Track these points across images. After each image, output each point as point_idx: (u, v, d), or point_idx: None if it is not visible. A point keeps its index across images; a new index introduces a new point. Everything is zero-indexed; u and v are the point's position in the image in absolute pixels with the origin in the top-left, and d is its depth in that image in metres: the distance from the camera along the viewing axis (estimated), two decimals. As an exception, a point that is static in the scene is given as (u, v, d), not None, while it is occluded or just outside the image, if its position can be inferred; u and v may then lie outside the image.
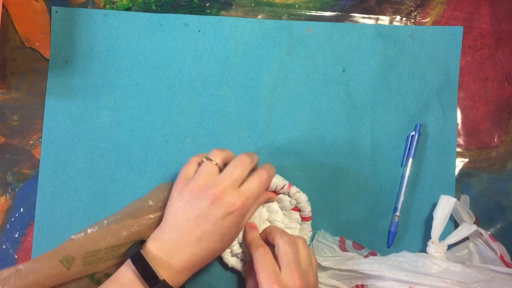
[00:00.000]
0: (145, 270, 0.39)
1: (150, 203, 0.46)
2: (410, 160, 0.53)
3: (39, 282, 0.41)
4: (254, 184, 0.42)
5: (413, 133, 0.53)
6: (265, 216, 0.50)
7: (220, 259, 0.51)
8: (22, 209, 0.53)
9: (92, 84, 0.54)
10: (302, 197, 0.49)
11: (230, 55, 0.54)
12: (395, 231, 0.53)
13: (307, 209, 0.49)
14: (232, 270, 0.52)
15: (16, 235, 0.52)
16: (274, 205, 0.50)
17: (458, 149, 0.54)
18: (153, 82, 0.54)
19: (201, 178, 0.42)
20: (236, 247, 0.49)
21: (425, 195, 0.54)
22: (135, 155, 0.53)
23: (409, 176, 0.53)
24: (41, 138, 0.53)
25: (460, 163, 0.54)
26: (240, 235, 0.48)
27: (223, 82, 0.54)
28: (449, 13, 0.56)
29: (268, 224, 0.50)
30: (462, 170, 0.54)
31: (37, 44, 0.54)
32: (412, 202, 0.53)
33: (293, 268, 0.40)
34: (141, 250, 0.40)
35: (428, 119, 0.54)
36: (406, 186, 0.53)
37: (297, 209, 0.50)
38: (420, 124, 0.53)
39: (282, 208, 0.50)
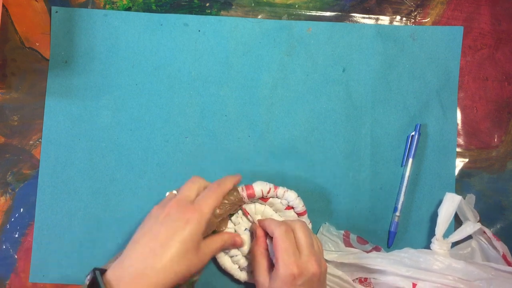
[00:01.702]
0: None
1: None
2: (410, 160, 0.53)
3: None
4: (204, 194, 0.44)
5: (413, 133, 0.53)
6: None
7: (231, 277, 0.50)
8: (22, 209, 0.53)
9: (92, 84, 0.54)
10: (291, 195, 0.49)
11: (230, 55, 0.54)
12: (395, 231, 0.53)
13: (300, 205, 0.49)
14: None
15: (16, 235, 0.52)
16: (268, 210, 0.50)
17: (458, 149, 0.54)
18: (153, 82, 0.54)
19: (162, 202, 0.45)
20: (242, 261, 0.49)
21: (425, 195, 0.53)
22: (135, 155, 0.53)
23: (409, 176, 0.53)
24: (41, 138, 0.53)
25: (460, 163, 0.54)
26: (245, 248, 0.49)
27: (223, 82, 0.54)
28: (449, 13, 0.56)
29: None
30: (462, 170, 0.54)
31: (37, 44, 0.54)
32: (412, 202, 0.53)
33: (311, 252, 0.42)
34: (98, 275, 0.39)
35: (428, 119, 0.54)
36: (406, 186, 0.53)
37: (290, 207, 0.50)
38: (420, 124, 0.53)
39: (276, 211, 0.50)
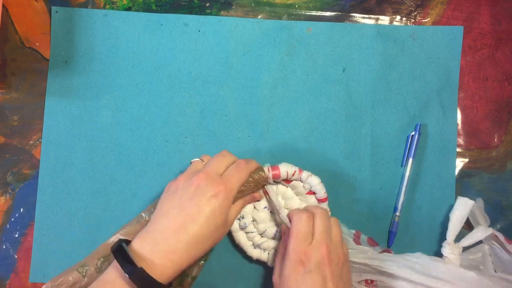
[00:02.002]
0: (124, 261, 0.39)
1: None
2: (410, 160, 0.53)
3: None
4: (235, 169, 0.44)
5: (413, 133, 0.53)
6: (281, 204, 0.50)
7: (244, 254, 0.50)
8: (22, 209, 0.53)
9: (92, 84, 0.54)
10: (315, 180, 0.48)
11: (230, 55, 0.54)
12: (395, 231, 0.53)
13: (322, 191, 0.48)
14: (234, 268, 0.52)
15: (16, 235, 0.52)
16: (289, 192, 0.50)
17: (458, 149, 0.54)
18: (153, 82, 0.54)
19: (188, 171, 0.45)
20: (257, 238, 0.49)
21: (425, 195, 0.53)
22: (135, 155, 0.53)
23: (409, 176, 0.53)
24: (41, 138, 0.53)
25: (460, 163, 0.54)
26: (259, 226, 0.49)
27: (223, 82, 0.54)
28: (449, 13, 0.56)
29: (286, 211, 0.50)
30: (462, 170, 0.54)
31: (37, 44, 0.54)
32: (412, 202, 0.53)
33: (323, 238, 0.42)
34: (124, 244, 0.40)
35: (428, 119, 0.54)
36: (406, 186, 0.53)
37: (312, 192, 0.49)
38: (420, 124, 0.53)
39: (297, 194, 0.50)
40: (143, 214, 0.48)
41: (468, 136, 0.55)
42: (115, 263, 0.40)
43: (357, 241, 0.51)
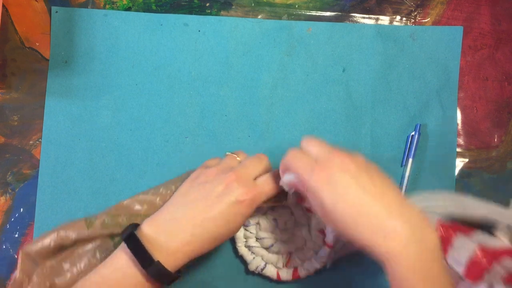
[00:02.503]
0: (139, 251, 0.38)
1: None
2: (410, 160, 0.53)
3: (66, 236, 0.43)
4: (269, 180, 0.42)
5: (413, 133, 0.53)
6: (291, 225, 0.48)
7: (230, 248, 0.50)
8: (22, 209, 0.53)
9: (92, 84, 0.54)
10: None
11: (230, 55, 0.54)
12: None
13: (330, 238, 0.45)
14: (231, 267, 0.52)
15: (16, 235, 0.52)
16: (304, 220, 0.48)
17: (458, 149, 0.54)
18: (153, 82, 0.54)
19: (222, 165, 0.43)
20: (252, 240, 0.49)
21: (425, 195, 0.54)
22: (135, 155, 0.53)
23: (409, 176, 0.53)
24: (41, 138, 0.53)
25: (460, 163, 0.54)
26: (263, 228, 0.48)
27: (223, 82, 0.54)
28: (449, 13, 0.56)
29: (290, 234, 0.48)
30: (462, 170, 0.54)
31: (37, 44, 0.54)
32: (412, 202, 0.53)
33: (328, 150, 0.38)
34: (135, 232, 0.39)
35: (428, 119, 0.54)
36: (406, 186, 0.53)
37: (323, 233, 0.46)
38: (420, 124, 0.53)
39: (310, 226, 0.47)
40: (161, 188, 0.46)
41: (468, 136, 0.55)
42: (125, 248, 0.39)
43: None
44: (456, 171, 0.54)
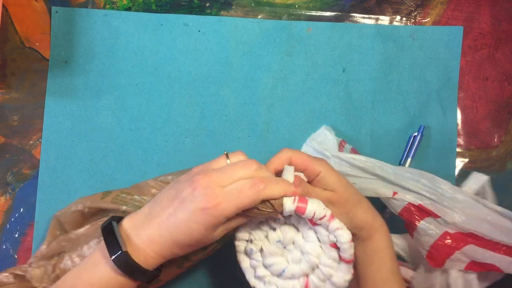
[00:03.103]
0: (109, 240, 0.37)
1: None
2: (409, 160, 0.53)
3: (83, 204, 0.49)
4: (243, 187, 0.37)
5: (415, 133, 0.53)
6: (299, 242, 0.41)
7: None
8: (22, 209, 0.53)
9: (92, 84, 0.54)
10: (344, 237, 0.39)
11: (230, 55, 0.54)
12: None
13: (349, 251, 0.39)
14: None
15: (16, 235, 0.52)
16: (312, 235, 0.41)
17: (458, 149, 0.54)
18: (153, 82, 0.54)
19: (204, 166, 0.40)
20: (261, 269, 0.42)
21: (425, 195, 0.53)
22: (135, 155, 0.53)
23: (409, 176, 0.53)
24: (41, 138, 0.53)
25: (460, 163, 0.54)
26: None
27: (223, 82, 0.54)
28: (449, 13, 0.56)
29: (299, 253, 0.41)
30: (462, 170, 0.54)
31: (37, 44, 0.54)
32: (412, 202, 0.53)
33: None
34: (114, 223, 0.39)
35: (428, 119, 0.54)
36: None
37: (336, 246, 0.40)
38: (424, 126, 0.53)
39: (319, 240, 0.41)
40: (183, 175, 0.42)
41: (468, 136, 0.55)
42: (102, 244, 0.38)
43: (341, 148, 0.51)
44: (456, 171, 0.54)
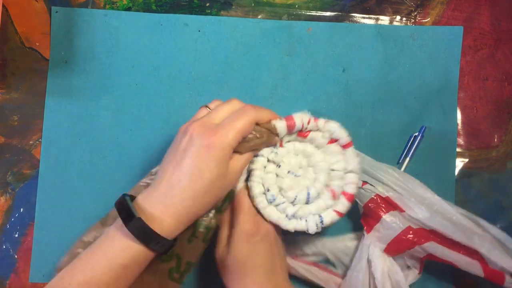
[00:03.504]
0: (123, 210, 0.37)
1: None
2: (407, 160, 0.53)
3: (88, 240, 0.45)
4: (233, 116, 0.39)
5: (416, 134, 0.53)
6: (304, 163, 0.45)
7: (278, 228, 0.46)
8: (22, 209, 0.53)
9: (92, 84, 0.54)
10: (333, 125, 0.43)
11: (230, 55, 0.54)
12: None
13: (344, 135, 0.43)
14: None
15: (16, 235, 0.52)
16: (309, 148, 0.45)
17: (458, 149, 0.54)
18: (153, 82, 0.54)
19: (191, 120, 0.42)
20: (289, 208, 0.44)
21: (425, 195, 0.53)
22: (135, 155, 0.53)
23: (408, 176, 0.53)
24: (41, 138, 0.53)
25: (460, 163, 0.54)
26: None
27: (223, 82, 0.54)
28: (449, 13, 0.56)
29: (311, 171, 0.45)
30: (462, 170, 0.54)
31: (37, 44, 0.54)
32: (412, 202, 0.53)
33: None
34: (127, 197, 0.39)
35: (428, 119, 0.54)
36: (406, 186, 0.53)
37: (334, 140, 0.44)
38: (425, 127, 0.53)
39: (318, 147, 0.45)
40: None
41: (468, 136, 0.55)
42: (117, 220, 0.38)
43: None
44: (456, 171, 0.54)
